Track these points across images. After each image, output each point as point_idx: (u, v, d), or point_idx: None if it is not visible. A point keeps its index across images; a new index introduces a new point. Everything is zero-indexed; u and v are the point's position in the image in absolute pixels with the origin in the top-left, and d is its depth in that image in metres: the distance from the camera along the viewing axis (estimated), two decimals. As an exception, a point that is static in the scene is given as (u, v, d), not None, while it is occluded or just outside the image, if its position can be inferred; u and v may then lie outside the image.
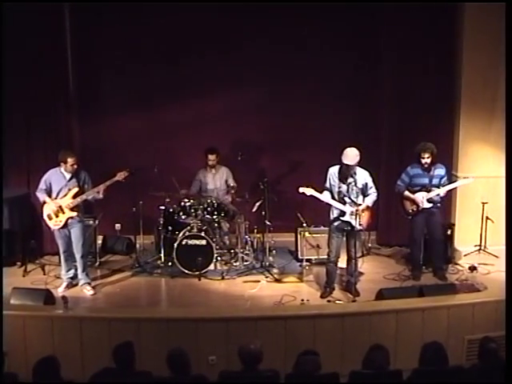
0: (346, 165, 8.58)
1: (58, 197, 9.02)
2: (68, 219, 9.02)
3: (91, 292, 9.21)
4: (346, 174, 8.64)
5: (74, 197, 8.98)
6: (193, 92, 11.13)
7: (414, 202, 9.39)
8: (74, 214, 9.00)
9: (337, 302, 8.81)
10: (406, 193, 9.43)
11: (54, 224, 9.06)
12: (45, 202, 9.06)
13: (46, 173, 9.15)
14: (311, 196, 8.70)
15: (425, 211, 9.39)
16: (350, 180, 8.65)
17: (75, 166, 8.97)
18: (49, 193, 9.05)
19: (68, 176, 9.02)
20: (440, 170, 9.42)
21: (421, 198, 9.32)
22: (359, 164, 8.71)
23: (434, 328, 7.70)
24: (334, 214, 8.82)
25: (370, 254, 10.78)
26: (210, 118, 11.24)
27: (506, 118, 9.18)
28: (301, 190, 8.72)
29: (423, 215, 9.42)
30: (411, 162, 9.53)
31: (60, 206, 8.98)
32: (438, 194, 9.35)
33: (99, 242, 10.78)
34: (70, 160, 8.91)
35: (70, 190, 8.99)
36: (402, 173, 9.52)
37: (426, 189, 9.35)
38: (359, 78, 11.20)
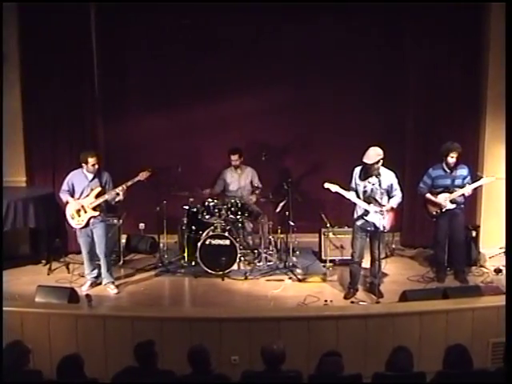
0: (365, 164, 8.53)
1: (81, 197, 9.09)
2: (90, 219, 9.08)
3: (115, 291, 9.27)
4: (366, 173, 8.61)
5: (96, 197, 9.03)
6: (217, 92, 11.14)
7: (436, 204, 9.32)
8: (96, 213, 9.06)
9: (360, 303, 8.79)
10: (428, 195, 9.37)
11: (77, 223, 9.12)
12: (67, 203, 9.13)
13: (69, 174, 9.23)
14: (336, 193, 8.67)
15: (448, 213, 9.32)
16: (375, 180, 8.61)
17: (96, 166, 9.03)
18: (71, 193, 9.13)
19: (90, 176, 9.08)
20: (462, 171, 9.34)
21: (443, 199, 9.26)
22: (384, 164, 8.67)
23: (459, 330, 7.64)
24: (358, 213, 8.80)
25: (393, 255, 10.74)
26: (235, 118, 11.26)
27: (506, 118, 9.09)
28: (326, 185, 8.69)
29: (446, 217, 9.36)
30: (436, 163, 9.46)
31: (82, 206, 9.04)
32: (461, 195, 9.28)
33: (123, 241, 10.83)
34: (90, 160, 8.96)
35: (92, 189, 9.06)
36: (424, 175, 9.46)
37: (449, 190, 9.28)
38: (385, 78, 11.16)
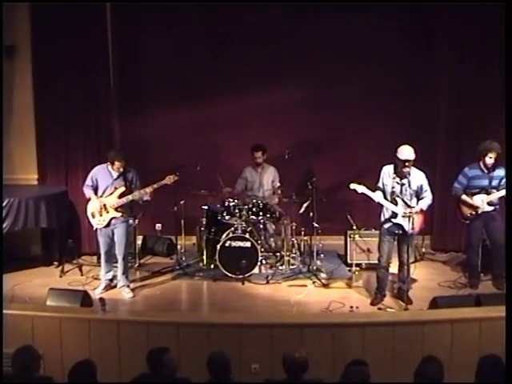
0: (402, 161, 8.46)
1: (104, 195, 9.13)
2: (112, 219, 9.12)
3: (130, 294, 9.30)
4: (401, 172, 8.54)
5: (120, 196, 9.07)
6: (239, 86, 11.16)
7: (472, 206, 9.24)
8: (119, 214, 9.09)
9: (388, 309, 8.75)
10: (464, 196, 9.29)
11: (97, 223, 9.16)
12: (89, 199, 9.16)
13: (94, 168, 9.29)
14: (362, 194, 8.63)
15: (483, 215, 9.23)
16: (404, 181, 8.56)
17: (121, 170, 9.05)
18: (95, 189, 9.17)
19: (115, 174, 9.11)
20: (500, 171, 9.21)
21: (480, 201, 9.18)
22: (414, 164, 8.62)
23: (493, 340, 7.53)
24: (386, 215, 8.75)
25: (423, 259, 10.67)
26: (257, 114, 11.28)
27: (506, 117, 9.01)
28: (352, 186, 8.66)
29: (482, 219, 9.26)
30: (470, 163, 9.38)
31: (104, 205, 9.07)
32: (501, 196, 9.14)
33: (139, 242, 10.90)
34: (117, 163, 9.01)
35: (116, 188, 9.09)
36: (459, 174, 9.36)
37: (486, 191, 9.20)
38: (415, 73, 11.11)
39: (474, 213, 9.23)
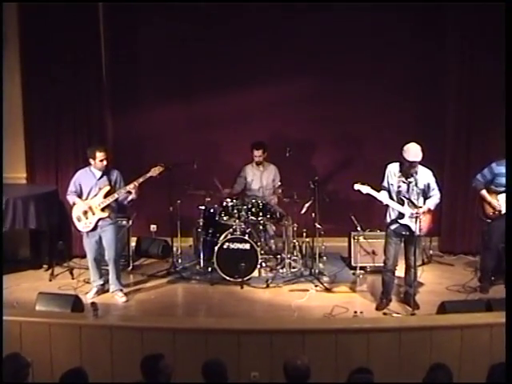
0: (409, 162, 8.43)
1: (89, 197, 9.10)
2: (99, 221, 9.08)
3: (123, 299, 9.28)
4: (407, 172, 8.51)
5: (105, 196, 9.04)
6: (237, 80, 11.15)
7: (490, 204, 9.16)
8: (105, 214, 9.06)
9: (394, 315, 8.74)
10: (483, 192, 9.19)
11: (84, 226, 9.12)
12: (74, 204, 9.15)
13: (75, 174, 9.25)
14: (367, 195, 8.60)
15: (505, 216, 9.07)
16: (411, 179, 8.53)
17: (105, 162, 9.02)
18: (79, 195, 9.14)
19: (98, 174, 9.08)
20: None
21: (501, 201, 9.06)
22: (421, 162, 8.58)
23: (504, 347, 7.55)
24: (392, 216, 8.73)
25: (431, 262, 10.68)
26: (257, 109, 11.27)
27: (506, 118, 9.00)
28: (356, 186, 8.63)
29: (503, 220, 9.02)
30: (486, 161, 9.32)
31: (90, 207, 9.05)
32: None
33: (133, 244, 10.88)
34: (98, 155, 8.97)
35: (100, 189, 9.06)
36: (485, 168, 9.20)
37: None
38: (422, 65, 11.10)
39: (496, 212, 9.15)
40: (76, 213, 9.12)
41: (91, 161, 9.05)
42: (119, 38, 11.13)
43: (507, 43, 8.77)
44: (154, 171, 9.17)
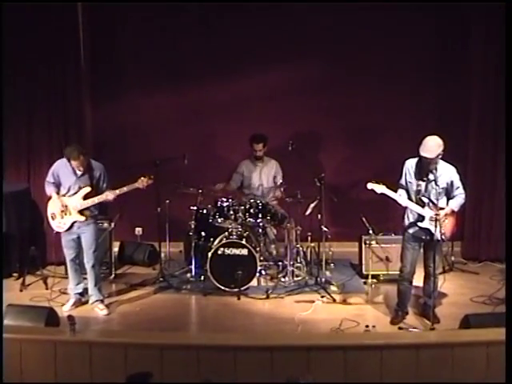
0: (425, 158, 8.42)
1: (67, 194, 9.07)
2: (74, 223, 9.07)
3: (104, 311, 9.25)
4: (425, 169, 8.47)
5: (85, 198, 9.01)
6: (233, 66, 11.18)
7: None
8: (82, 218, 9.03)
9: (411, 329, 8.71)
10: None
11: (57, 226, 9.14)
12: (50, 198, 9.12)
13: (55, 163, 9.21)
14: (382, 194, 8.58)
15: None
16: (431, 177, 8.50)
17: (81, 169, 8.97)
18: (58, 186, 9.11)
19: (79, 172, 9.04)
20: None
21: None
22: (443, 158, 8.55)
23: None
24: (410, 218, 8.70)
25: (453, 269, 10.70)
26: (255, 99, 11.31)
27: (506, 117, 8.99)
28: (369, 186, 8.60)
29: None
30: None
31: (66, 206, 9.03)
32: None
33: (115, 249, 10.86)
34: (74, 163, 8.91)
35: (80, 188, 9.02)
36: None
37: None
38: (444, 53, 11.12)
39: None
40: (51, 209, 9.12)
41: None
42: (100, 21, 11.12)
43: (507, 43, 8.83)
44: (142, 182, 9.13)
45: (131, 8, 11.16)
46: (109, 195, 9.00)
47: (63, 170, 9.10)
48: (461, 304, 9.38)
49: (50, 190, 9.14)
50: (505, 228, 9.00)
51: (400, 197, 8.57)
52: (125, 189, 9.06)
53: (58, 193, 9.09)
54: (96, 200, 9.01)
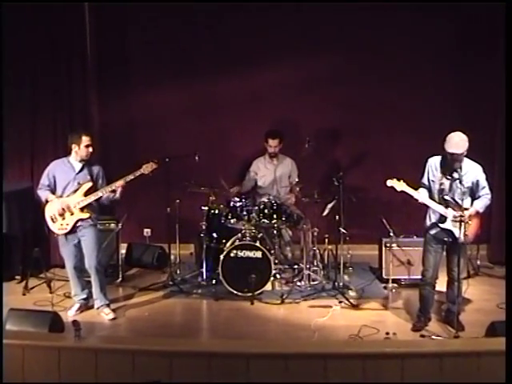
0: (451, 154, 8.35)
1: (65, 194, 9.05)
2: (77, 222, 9.04)
3: (111, 316, 9.25)
4: (449, 167, 8.43)
5: (86, 194, 8.99)
6: (246, 59, 11.20)
7: None
8: (86, 215, 9.02)
9: (433, 337, 8.67)
10: None
11: (59, 228, 9.08)
12: (47, 201, 9.10)
13: (50, 164, 9.20)
14: (402, 193, 8.54)
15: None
16: (456, 175, 8.45)
17: (90, 149, 8.97)
18: (53, 189, 9.09)
19: (78, 167, 9.03)
20: None
21: None
22: (468, 155, 8.50)
23: None
24: (432, 219, 8.65)
25: (478, 274, 10.67)
26: (269, 93, 11.32)
27: (506, 118, 8.95)
28: (389, 183, 8.57)
29: None
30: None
31: (67, 206, 9.00)
32: None
33: (123, 251, 10.88)
34: (85, 139, 8.91)
35: (80, 184, 9.01)
36: None
37: None
38: (467, 46, 11.09)
39: None
40: (50, 212, 9.07)
41: (74, 147, 8.97)
42: (108, 12, 11.14)
43: (507, 43, 8.91)
44: (146, 168, 9.12)
45: (139, 2, 11.15)
46: (114, 186, 8.96)
47: (60, 168, 9.10)
48: (487, 310, 9.34)
49: (44, 194, 9.12)
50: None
51: (420, 195, 8.52)
52: (129, 177, 9.03)
53: (53, 194, 9.07)
54: (100, 193, 8.98)
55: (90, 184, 8.99)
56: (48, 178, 9.09)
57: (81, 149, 8.94)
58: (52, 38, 10.56)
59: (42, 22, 10.51)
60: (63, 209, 8.99)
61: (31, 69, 10.64)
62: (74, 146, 8.98)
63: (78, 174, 9.04)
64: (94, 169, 9.12)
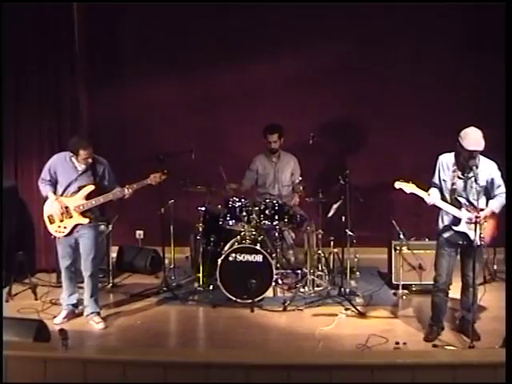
0: (468, 151, 8.28)
1: (66, 193, 9.00)
2: (75, 227, 9.01)
3: (101, 325, 9.20)
4: (465, 164, 8.36)
5: (88, 197, 8.95)
6: (246, 51, 11.22)
7: None
8: (86, 221, 8.97)
9: (446, 347, 8.64)
10: None
11: (56, 230, 9.06)
12: (47, 198, 9.05)
13: (52, 158, 9.14)
14: (412, 194, 8.49)
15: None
16: (470, 174, 8.39)
17: (89, 160, 8.91)
18: (54, 185, 9.05)
19: (81, 167, 8.97)
20: None
21: None
22: (483, 152, 8.42)
23: None
24: (445, 221, 8.60)
25: (495, 279, 10.65)
26: (270, 87, 11.34)
27: (506, 118, 9.01)
28: (397, 185, 8.53)
29: None
30: None
31: (67, 208, 8.95)
32: None
33: (113, 255, 10.88)
34: (82, 153, 8.82)
35: (82, 187, 8.96)
36: None
37: None
38: (481, 39, 11.08)
39: None
40: (48, 211, 9.05)
41: (73, 155, 8.93)
42: (96, 7, 11.09)
43: (507, 43, 9.02)
44: (154, 179, 9.11)
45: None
46: (120, 193, 8.94)
47: (62, 165, 9.04)
48: (503, 319, 9.20)
49: (45, 189, 9.07)
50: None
51: (431, 196, 8.46)
52: (135, 186, 9.01)
53: (54, 193, 9.02)
54: (102, 199, 8.96)
55: (92, 187, 8.93)
56: (50, 174, 9.03)
57: (79, 160, 8.88)
58: (38, 29, 10.52)
59: (28, 12, 10.45)
60: (62, 211, 8.94)
61: (16, 62, 10.58)
62: (72, 153, 8.94)
63: (81, 174, 8.96)
64: (98, 168, 9.04)
